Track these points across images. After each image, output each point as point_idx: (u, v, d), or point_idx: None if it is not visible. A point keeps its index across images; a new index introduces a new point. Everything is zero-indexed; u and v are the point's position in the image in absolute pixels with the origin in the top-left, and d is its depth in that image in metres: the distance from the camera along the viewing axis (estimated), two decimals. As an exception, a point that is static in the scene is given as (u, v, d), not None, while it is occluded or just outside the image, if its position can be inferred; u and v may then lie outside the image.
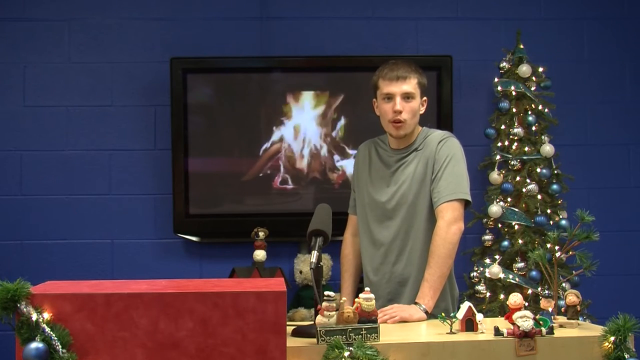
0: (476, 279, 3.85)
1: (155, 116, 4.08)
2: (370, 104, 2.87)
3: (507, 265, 3.81)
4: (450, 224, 2.61)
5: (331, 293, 1.99)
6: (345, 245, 2.97)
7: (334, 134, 4.06)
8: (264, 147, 4.04)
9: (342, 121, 4.06)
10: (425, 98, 2.79)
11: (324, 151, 4.06)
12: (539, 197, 3.84)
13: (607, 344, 2.05)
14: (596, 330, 2.15)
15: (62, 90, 4.06)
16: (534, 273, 3.74)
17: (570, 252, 2.38)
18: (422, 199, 2.71)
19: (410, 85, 2.72)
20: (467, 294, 3.82)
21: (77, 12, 4.08)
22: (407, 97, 2.72)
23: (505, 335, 2.08)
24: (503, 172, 3.92)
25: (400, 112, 2.70)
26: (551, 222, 3.84)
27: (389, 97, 2.73)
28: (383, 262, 2.78)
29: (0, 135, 4.03)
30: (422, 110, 2.79)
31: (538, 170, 3.86)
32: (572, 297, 2.27)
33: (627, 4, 4.28)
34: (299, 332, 2.11)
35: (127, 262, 4.04)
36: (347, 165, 4.04)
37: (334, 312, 1.98)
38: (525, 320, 2.06)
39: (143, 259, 4.05)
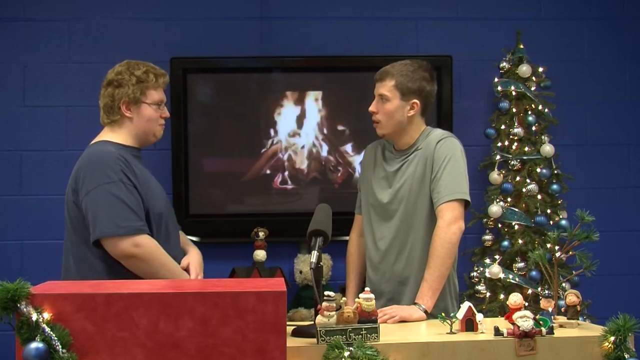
0: (476, 279, 3.86)
1: (155, 116, 4.07)
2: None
3: (507, 265, 3.81)
4: (450, 224, 2.61)
5: (331, 293, 1.99)
6: (351, 245, 2.99)
7: (334, 133, 4.06)
8: (264, 147, 4.05)
9: (342, 121, 4.06)
10: (414, 101, 2.74)
11: (324, 151, 4.06)
12: (539, 197, 3.85)
13: (607, 344, 2.05)
14: (596, 330, 2.15)
15: (62, 90, 4.06)
16: (534, 273, 3.74)
17: (570, 252, 2.38)
18: (422, 198, 2.72)
19: (385, 87, 2.74)
20: (467, 294, 3.82)
21: (77, 12, 4.08)
22: (381, 98, 2.75)
23: (505, 335, 2.08)
24: (503, 172, 3.92)
25: (374, 113, 2.77)
26: (551, 222, 3.84)
27: (374, 97, 2.80)
28: (382, 261, 2.79)
29: (0, 135, 4.03)
30: (411, 112, 2.75)
31: (538, 170, 3.86)
32: (572, 297, 2.27)
33: (627, 4, 4.28)
34: (299, 332, 2.11)
35: (127, 262, 4.04)
36: (347, 165, 4.05)
37: (334, 312, 1.98)
38: (525, 320, 2.06)
39: (143, 259, 4.04)
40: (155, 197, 2.55)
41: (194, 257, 2.67)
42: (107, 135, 2.59)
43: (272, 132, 4.05)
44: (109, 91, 2.58)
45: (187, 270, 2.61)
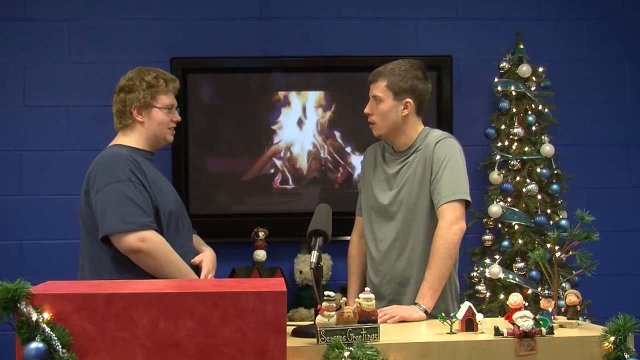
0: (476, 279, 3.86)
1: (155, 116, 4.07)
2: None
3: (507, 265, 3.81)
4: (451, 224, 2.61)
5: (331, 293, 1.99)
6: (352, 246, 2.98)
7: (334, 133, 4.06)
8: (264, 147, 4.05)
9: (342, 121, 4.06)
10: (407, 100, 2.74)
11: (324, 151, 4.06)
12: (539, 197, 3.85)
13: (607, 344, 2.05)
14: (596, 330, 2.15)
15: (62, 90, 4.06)
16: (534, 273, 3.74)
17: (570, 252, 2.38)
18: (422, 199, 2.71)
19: (378, 88, 2.75)
20: (467, 294, 3.82)
21: (77, 12, 4.08)
22: (375, 99, 2.75)
23: (505, 335, 2.08)
24: (503, 172, 3.92)
25: (369, 115, 2.77)
26: (551, 222, 3.84)
27: (369, 99, 2.80)
28: (383, 263, 2.79)
29: (0, 135, 4.03)
30: (405, 112, 2.75)
31: (538, 170, 3.86)
32: (572, 297, 2.27)
33: (627, 4, 4.28)
34: (299, 332, 2.11)
35: (127, 262, 4.04)
36: (347, 166, 4.05)
37: (334, 312, 1.98)
38: (525, 320, 2.06)
39: (143, 259, 4.04)
40: (165, 196, 2.60)
41: (207, 255, 2.73)
42: (120, 139, 2.68)
43: (272, 132, 4.05)
44: (121, 97, 2.68)
45: (200, 267, 2.66)
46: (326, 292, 2.00)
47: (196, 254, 2.71)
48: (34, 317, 1.74)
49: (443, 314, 2.21)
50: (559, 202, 3.93)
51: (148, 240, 2.43)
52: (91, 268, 2.54)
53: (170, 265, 2.47)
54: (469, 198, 2.68)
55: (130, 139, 2.66)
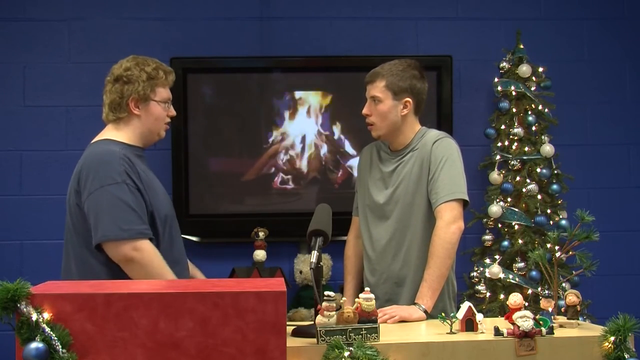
0: (476, 279, 3.86)
1: (155, 116, 4.07)
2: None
3: (507, 265, 3.81)
4: (449, 224, 2.61)
5: (331, 293, 1.99)
6: (348, 246, 2.99)
7: (334, 133, 4.06)
8: (264, 147, 4.05)
9: (342, 121, 4.06)
10: (407, 99, 2.75)
11: (324, 151, 4.06)
12: (539, 197, 3.85)
13: (607, 344, 2.05)
14: (596, 330, 2.15)
15: (62, 90, 4.06)
16: (534, 273, 3.74)
17: (570, 252, 2.38)
18: (418, 199, 2.71)
19: (376, 88, 2.74)
20: (467, 294, 3.82)
21: (77, 12, 4.08)
22: (374, 100, 2.75)
23: (505, 335, 2.08)
24: (503, 172, 3.92)
25: (368, 115, 2.77)
26: (551, 222, 3.84)
27: (366, 100, 2.80)
28: (379, 263, 2.79)
29: (0, 135, 4.03)
30: (405, 111, 2.75)
31: (538, 170, 3.86)
32: (572, 297, 2.27)
33: (627, 4, 4.29)
34: (299, 332, 2.11)
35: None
36: (347, 166, 4.05)
37: (334, 312, 1.98)
38: (525, 320, 2.06)
39: (143, 259, 4.04)
40: (160, 199, 2.48)
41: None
42: (111, 133, 2.50)
43: (272, 132, 4.05)
44: (117, 87, 2.49)
45: None
46: (326, 292, 2.00)
47: (186, 261, 2.61)
48: (34, 317, 1.73)
49: (443, 314, 2.21)
50: (559, 202, 3.93)
51: (141, 250, 2.31)
52: (79, 271, 2.40)
53: (160, 278, 2.33)
54: (467, 198, 2.68)
55: (123, 133, 2.48)
